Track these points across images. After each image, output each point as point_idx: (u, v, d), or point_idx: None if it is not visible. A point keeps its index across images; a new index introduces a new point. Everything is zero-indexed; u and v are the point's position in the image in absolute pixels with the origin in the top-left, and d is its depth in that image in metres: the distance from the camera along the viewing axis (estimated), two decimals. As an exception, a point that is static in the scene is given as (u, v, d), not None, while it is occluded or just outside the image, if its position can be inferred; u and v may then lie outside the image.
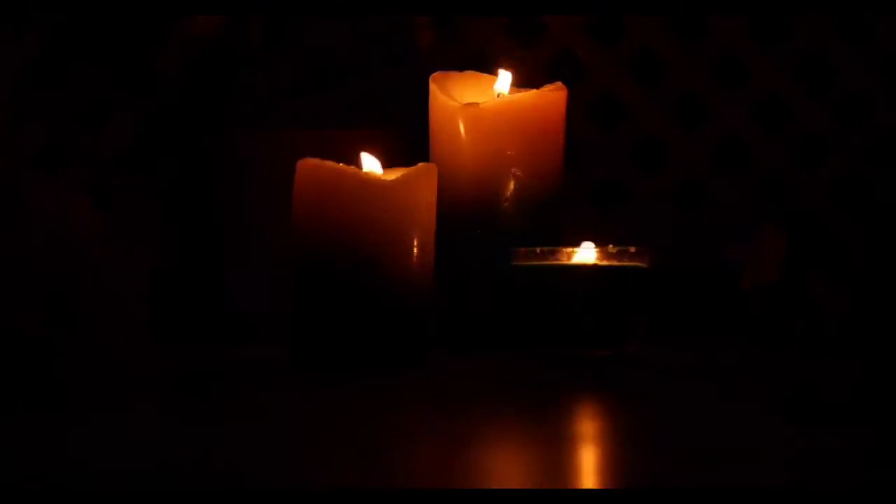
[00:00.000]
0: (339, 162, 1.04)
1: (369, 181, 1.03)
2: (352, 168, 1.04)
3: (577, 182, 1.43)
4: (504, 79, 1.19)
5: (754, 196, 1.45)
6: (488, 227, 1.15)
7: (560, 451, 0.74)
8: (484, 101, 1.17)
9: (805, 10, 1.44)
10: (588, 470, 0.70)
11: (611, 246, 1.05)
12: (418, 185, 1.04)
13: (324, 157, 1.04)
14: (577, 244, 1.07)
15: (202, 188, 1.39)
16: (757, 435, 0.79)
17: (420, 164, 1.06)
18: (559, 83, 1.17)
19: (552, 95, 1.17)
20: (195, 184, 1.40)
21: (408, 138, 1.23)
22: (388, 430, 0.81)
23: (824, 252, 1.38)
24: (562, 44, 1.46)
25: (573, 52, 1.46)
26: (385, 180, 1.04)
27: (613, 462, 0.72)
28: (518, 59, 1.22)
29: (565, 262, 1.05)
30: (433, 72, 1.19)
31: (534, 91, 1.17)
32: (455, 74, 1.20)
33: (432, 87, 1.17)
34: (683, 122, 1.46)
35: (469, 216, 1.15)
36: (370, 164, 1.06)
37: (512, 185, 1.16)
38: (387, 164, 1.07)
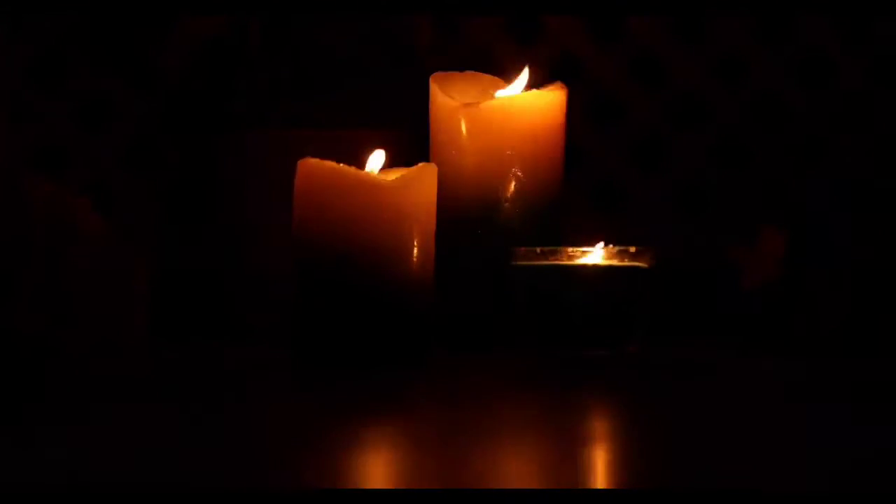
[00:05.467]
0: (339, 162, 1.03)
1: (369, 181, 1.03)
2: (352, 168, 1.04)
3: (577, 182, 1.43)
4: (523, 78, 1.18)
5: (754, 196, 1.45)
6: (488, 227, 1.15)
7: (560, 452, 0.74)
8: (484, 101, 1.17)
9: (805, 10, 1.44)
10: (588, 470, 0.70)
11: (611, 246, 1.05)
12: (418, 185, 1.04)
13: (324, 157, 1.04)
14: (577, 244, 1.06)
15: (202, 188, 1.39)
16: (757, 435, 0.79)
17: (420, 164, 1.06)
18: (559, 83, 1.17)
19: (552, 95, 1.17)
20: (195, 184, 1.40)
21: (408, 138, 1.23)
22: (387, 430, 0.81)
23: (824, 252, 1.38)
24: (562, 44, 1.46)
25: (573, 52, 1.46)
26: (385, 180, 1.04)
27: (613, 462, 0.72)
28: (518, 59, 1.22)
29: (565, 262, 1.05)
30: (433, 72, 1.19)
31: (534, 91, 1.17)
32: (455, 74, 1.20)
33: (432, 87, 1.17)
34: (683, 122, 1.46)
35: (469, 216, 1.15)
36: (375, 161, 1.06)
37: (512, 185, 1.16)
38: (387, 165, 1.07)
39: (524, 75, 1.18)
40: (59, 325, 1.12)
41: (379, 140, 1.09)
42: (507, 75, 1.20)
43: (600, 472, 0.70)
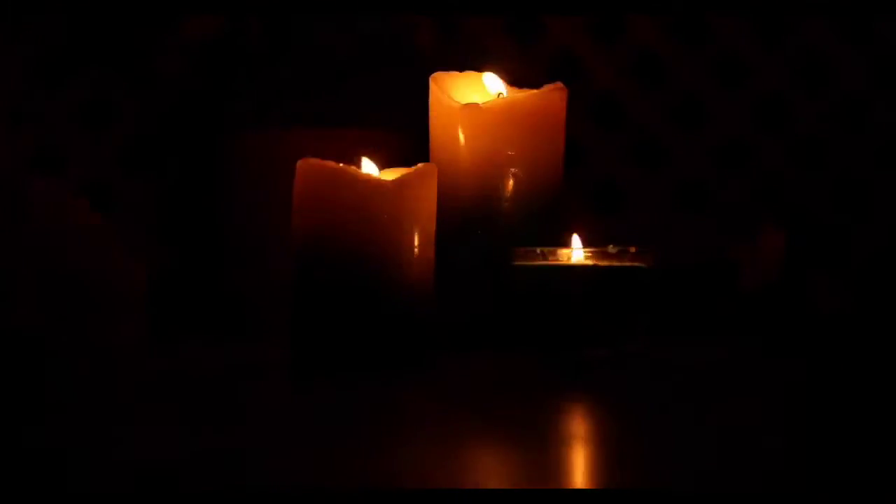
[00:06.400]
0: (339, 162, 1.04)
1: (369, 181, 1.03)
2: (352, 168, 1.04)
3: (577, 182, 1.43)
4: (491, 81, 1.19)
5: (754, 196, 1.45)
6: (488, 227, 1.15)
7: (559, 452, 0.74)
8: (484, 101, 1.17)
9: (805, 10, 1.44)
10: (587, 470, 0.70)
11: (611, 246, 1.05)
12: (418, 185, 1.04)
13: (324, 157, 1.04)
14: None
15: (202, 188, 1.39)
16: (757, 435, 0.79)
17: (420, 164, 1.06)
18: (559, 83, 1.17)
19: (552, 95, 1.17)
20: (195, 184, 1.41)
21: (408, 138, 1.23)
22: (387, 430, 0.81)
23: (824, 252, 1.38)
24: (562, 44, 1.46)
25: (573, 52, 1.46)
26: (385, 180, 1.04)
27: (613, 462, 0.72)
28: (518, 58, 1.22)
29: (565, 262, 1.05)
30: (433, 72, 1.19)
31: (534, 91, 1.17)
32: (455, 74, 1.20)
33: (432, 87, 1.17)
34: (683, 122, 1.46)
35: (469, 216, 1.15)
36: (369, 168, 1.06)
37: (512, 185, 1.16)
38: (387, 164, 1.07)
39: (489, 82, 1.18)
40: (59, 325, 1.12)
41: (379, 140, 1.09)
42: (508, 75, 1.20)
43: (599, 472, 0.70)
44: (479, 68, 1.21)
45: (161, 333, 1.23)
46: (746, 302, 1.22)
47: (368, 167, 1.06)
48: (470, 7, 1.43)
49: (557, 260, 1.05)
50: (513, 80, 1.20)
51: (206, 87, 1.40)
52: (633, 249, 1.05)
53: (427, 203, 1.05)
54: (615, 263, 1.04)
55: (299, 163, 1.04)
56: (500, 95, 1.19)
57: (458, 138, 1.16)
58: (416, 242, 1.03)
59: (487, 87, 1.19)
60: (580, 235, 1.08)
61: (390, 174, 1.05)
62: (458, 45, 1.44)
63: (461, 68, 1.21)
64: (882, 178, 1.45)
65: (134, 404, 0.92)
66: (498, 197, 1.16)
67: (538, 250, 1.06)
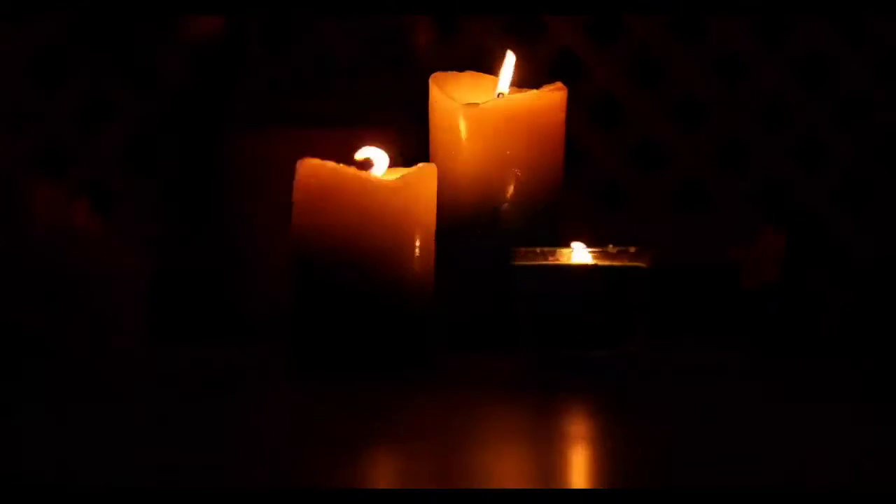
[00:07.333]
0: (339, 162, 1.04)
1: (369, 181, 1.03)
2: (352, 168, 1.04)
3: (577, 182, 1.43)
4: (509, 62, 1.18)
5: (754, 196, 1.45)
6: (488, 227, 1.15)
7: (559, 451, 0.74)
8: (484, 101, 1.17)
9: (805, 10, 1.44)
10: (587, 470, 0.70)
11: (611, 246, 1.05)
12: (418, 185, 1.04)
13: (324, 157, 1.04)
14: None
15: (202, 188, 1.39)
16: (757, 435, 0.79)
17: (420, 164, 1.06)
18: (559, 83, 1.17)
19: (552, 95, 1.17)
20: (195, 184, 1.41)
21: (407, 138, 1.23)
22: (387, 430, 0.81)
23: (824, 252, 1.38)
24: (562, 44, 1.46)
25: (573, 52, 1.46)
26: (385, 180, 1.04)
27: (613, 462, 0.72)
28: (518, 58, 1.22)
29: (565, 262, 1.05)
30: (433, 72, 1.19)
31: (534, 91, 1.17)
32: (455, 74, 1.20)
33: (432, 87, 1.17)
34: (683, 122, 1.46)
35: (469, 216, 1.15)
36: (371, 154, 1.06)
37: (512, 186, 1.16)
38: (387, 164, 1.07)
39: (509, 61, 1.18)
40: (58, 325, 1.12)
41: (379, 140, 1.09)
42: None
43: (599, 472, 0.70)
44: (480, 68, 1.21)
45: (161, 333, 1.23)
46: (746, 302, 1.22)
47: (371, 154, 1.06)
48: (470, 7, 1.43)
49: (557, 260, 1.05)
50: (513, 80, 1.20)
51: (206, 86, 1.40)
52: (632, 249, 1.05)
53: (427, 203, 1.05)
54: (615, 263, 1.04)
55: (299, 163, 1.03)
56: (501, 95, 1.19)
57: (458, 138, 1.15)
58: (416, 242, 1.03)
59: (508, 62, 1.18)
60: (580, 236, 1.08)
61: (390, 174, 1.05)
62: (458, 45, 1.44)
63: (461, 68, 1.21)
64: (882, 179, 1.45)
65: (133, 404, 0.92)
66: (498, 197, 1.16)
67: (538, 250, 1.06)
